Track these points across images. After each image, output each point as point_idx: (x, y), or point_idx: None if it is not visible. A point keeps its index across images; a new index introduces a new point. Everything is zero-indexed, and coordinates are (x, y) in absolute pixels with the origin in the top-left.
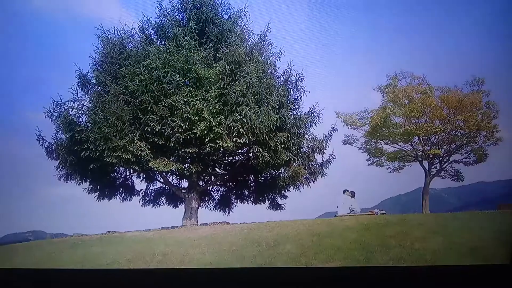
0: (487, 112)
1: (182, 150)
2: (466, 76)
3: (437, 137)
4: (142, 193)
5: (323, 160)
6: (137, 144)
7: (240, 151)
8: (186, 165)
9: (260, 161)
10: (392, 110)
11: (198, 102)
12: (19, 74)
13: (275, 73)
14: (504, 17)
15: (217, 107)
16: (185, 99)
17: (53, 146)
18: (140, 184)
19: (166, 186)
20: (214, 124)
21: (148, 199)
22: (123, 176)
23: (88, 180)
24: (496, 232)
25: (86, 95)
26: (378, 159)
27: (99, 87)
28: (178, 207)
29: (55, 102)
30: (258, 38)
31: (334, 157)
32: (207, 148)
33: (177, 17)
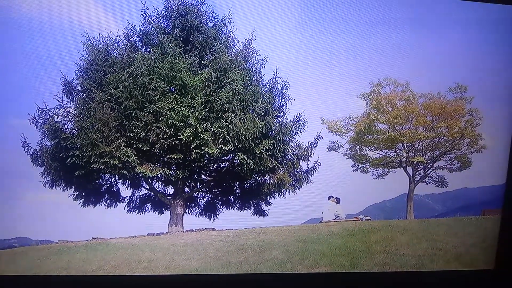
0: (470, 120)
1: (168, 157)
2: (449, 83)
3: (421, 143)
4: (127, 199)
5: (308, 167)
6: (123, 150)
7: (225, 157)
8: (172, 171)
9: (245, 168)
10: (376, 116)
11: (184, 108)
12: (3, 80)
13: (260, 80)
14: (487, 24)
15: (203, 113)
16: (170, 106)
17: (38, 153)
18: (125, 191)
19: (152, 193)
20: (200, 130)
21: (133, 205)
22: (108, 182)
23: (73, 187)
24: (481, 238)
25: (72, 102)
26: (362, 165)
27: (84, 94)
28: (163, 213)
29: (40, 109)
30: (243, 46)
31: (319, 164)
32: (192, 155)
33: (162, 24)
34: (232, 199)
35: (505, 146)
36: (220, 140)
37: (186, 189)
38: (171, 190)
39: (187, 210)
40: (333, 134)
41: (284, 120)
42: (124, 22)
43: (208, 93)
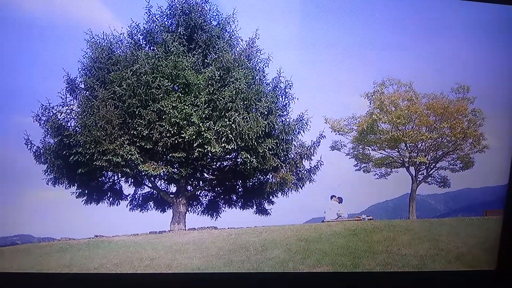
0: (473, 119)
1: (170, 155)
2: (452, 83)
3: (423, 143)
4: (130, 197)
5: (310, 166)
6: (127, 148)
7: (228, 156)
8: (175, 170)
9: (248, 167)
10: (378, 116)
11: (187, 107)
12: (6, 78)
13: (264, 79)
14: (490, 24)
15: (206, 112)
16: (174, 104)
17: (41, 150)
18: (128, 189)
19: (154, 191)
20: (203, 129)
21: (136, 203)
22: (111, 180)
23: (76, 184)
24: (483, 238)
25: (75, 100)
26: (365, 165)
27: (88, 92)
28: (166, 211)
29: (43, 107)
30: (247, 44)
31: (322, 163)
32: (195, 153)
33: (166, 22)
34: (235, 197)
35: (507, 146)
36: (223, 139)
37: (189, 188)
38: (174, 188)
39: (189, 209)
40: (336, 134)
41: (287, 119)
42: (128, 20)
43: (211, 91)
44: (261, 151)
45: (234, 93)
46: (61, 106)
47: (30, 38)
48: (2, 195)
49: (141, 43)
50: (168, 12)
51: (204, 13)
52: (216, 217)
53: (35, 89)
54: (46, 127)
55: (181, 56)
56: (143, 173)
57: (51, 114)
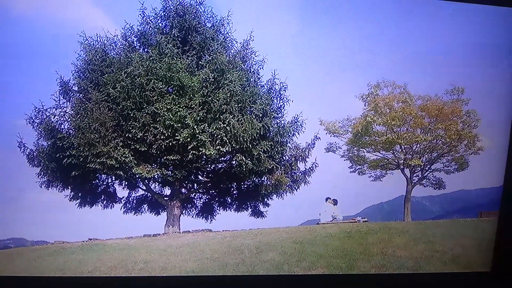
0: (467, 121)
1: (165, 158)
2: (447, 85)
3: (418, 145)
4: (124, 200)
5: (305, 168)
6: (121, 150)
7: (223, 158)
8: (169, 172)
9: (243, 169)
10: (372, 118)
11: (181, 109)
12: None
13: (258, 81)
14: (484, 26)
15: (200, 114)
16: (168, 107)
17: (35, 153)
18: (121, 192)
19: (148, 194)
20: (197, 131)
21: (130, 206)
22: (104, 183)
23: (69, 187)
24: (478, 240)
25: (68, 102)
26: (360, 167)
27: (81, 94)
28: (160, 214)
29: (36, 109)
30: (241, 46)
31: (316, 165)
32: (189, 156)
33: (160, 24)
34: (229, 200)
35: (502, 148)
36: (217, 142)
37: (183, 190)
38: (168, 191)
39: (184, 211)
40: (331, 135)
41: (282, 122)
42: (122, 22)
43: (205, 94)
44: (256, 154)
45: (228, 95)
46: (54, 109)
47: (23, 40)
48: None
49: (135, 45)
50: (162, 14)
51: (199, 15)
52: (211, 220)
53: (29, 91)
54: (40, 129)
55: (175, 58)
56: (137, 176)
57: (45, 116)
